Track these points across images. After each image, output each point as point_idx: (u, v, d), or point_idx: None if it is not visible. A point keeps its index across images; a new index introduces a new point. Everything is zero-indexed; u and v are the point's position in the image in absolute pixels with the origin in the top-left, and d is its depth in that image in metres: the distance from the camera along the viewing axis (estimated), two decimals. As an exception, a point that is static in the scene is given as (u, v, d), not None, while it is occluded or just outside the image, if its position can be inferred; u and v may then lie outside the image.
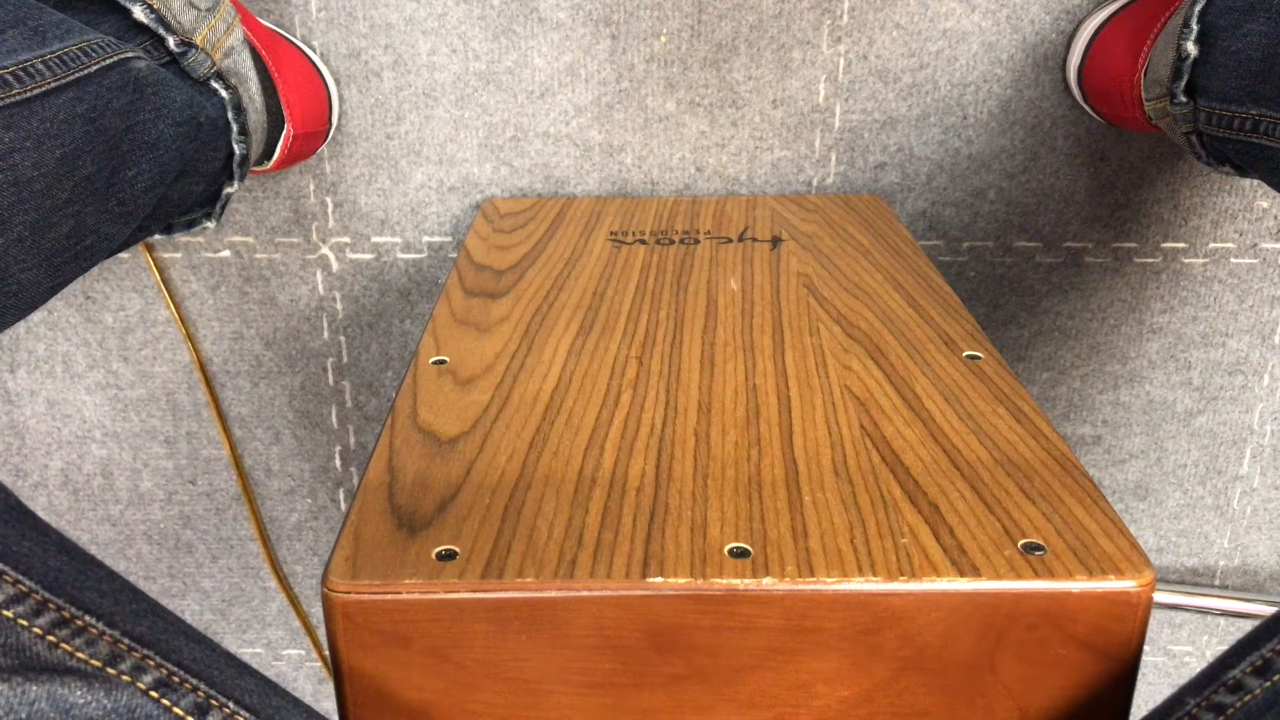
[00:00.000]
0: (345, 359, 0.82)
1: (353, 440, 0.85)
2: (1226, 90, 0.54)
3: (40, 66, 0.42)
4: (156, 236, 0.69)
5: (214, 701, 0.29)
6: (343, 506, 0.87)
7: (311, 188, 0.77)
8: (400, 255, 0.78)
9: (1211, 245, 0.78)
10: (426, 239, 0.78)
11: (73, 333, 0.81)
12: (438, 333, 0.49)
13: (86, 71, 0.45)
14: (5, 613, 0.26)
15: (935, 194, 0.76)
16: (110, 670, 0.27)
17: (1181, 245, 0.78)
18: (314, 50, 0.72)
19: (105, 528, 0.88)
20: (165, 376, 0.82)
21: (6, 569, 0.27)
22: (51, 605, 0.27)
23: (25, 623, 0.26)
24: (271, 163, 0.67)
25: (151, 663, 0.28)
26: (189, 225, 0.63)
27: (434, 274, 0.79)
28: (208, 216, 0.63)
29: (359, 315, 0.80)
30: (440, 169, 0.76)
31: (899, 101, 0.74)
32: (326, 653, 0.91)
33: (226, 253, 0.78)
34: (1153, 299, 0.79)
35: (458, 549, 0.33)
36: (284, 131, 0.66)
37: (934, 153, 0.75)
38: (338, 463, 0.85)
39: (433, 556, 0.33)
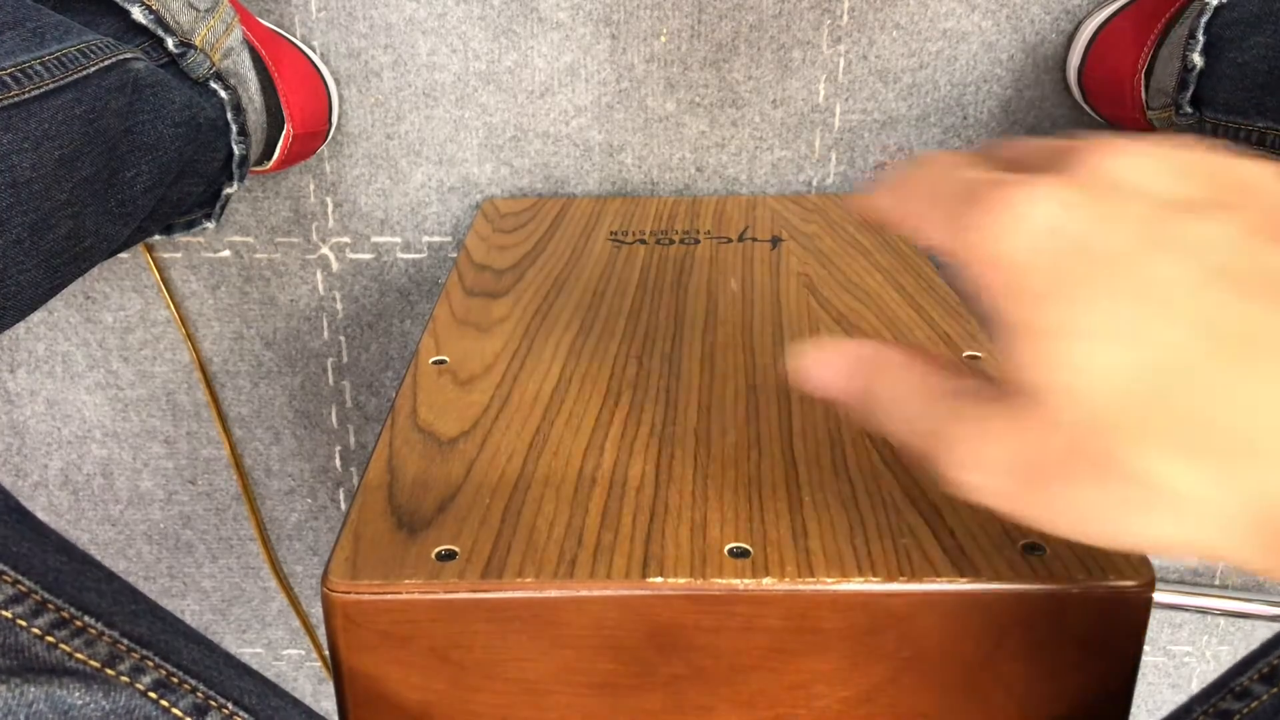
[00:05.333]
0: (345, 359, 0.82)
1: (353, 440, 0.85)
2: (1233, 102, 0.54)
3: (39, 68, 0.42)
4: (156, 237, 0.69)
5: (213, 702, 0.29)
6: (343, 506, 0.87)
7: (311, 188, 0.77)
8: (400, 255, 0.79)
9: (1211, 245, 0.78)
10: (426, 239, 0.78)
11: (73, 333, 0.81)
12: (438, 333, 0.49)
13: (85, 73, 0.45)
14: (4, 613, 0.26)
15: (935, 194, 0.76)
16: (109, 671, 0.27)
17: (1181, 245, 0.78)
18: (314, 50, 0.72)
19: (105, 528, 0.88)
20: (165, 376, 0.82)
21: (6, 569, 0.27)
22: (50, 605, 0.27)
23: (24, 623, 0.26)
24: (271, 163, 0.67)
25: (150, 663, 0.28)
26: (188, 226, 0.63)
27: (434, 274, 0.79)
28: (207, 217, 0.63)
29: (359, 315, 0.80)
30: (440, 169, 0.76)
31: (899, 101, 0.74)
32: (326, 653, 0.91)
33: (226, 253, 0.78)
34: (1153, 299, 0.79)
35: (458, 549, 0.33)
36: (284, 131, 0.66)
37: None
38: (338, 463, 0.85)
39: (433, 556, 0.33)
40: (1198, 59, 0.56)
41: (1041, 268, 0.18)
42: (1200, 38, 0.56)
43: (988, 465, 0.21)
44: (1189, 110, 0.57)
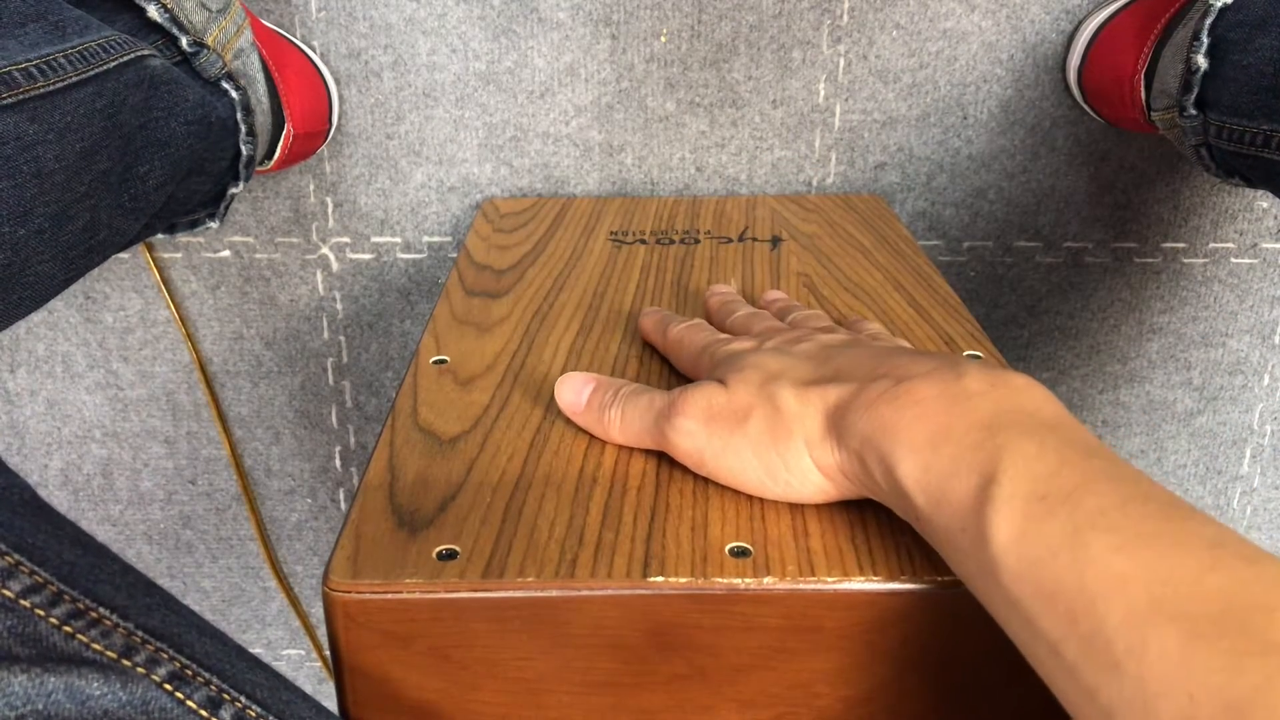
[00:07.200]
0: (345, 359, 0.82)
1: (353, 440, 0.85)
2: (1238, 104, 0.53)
3: (62, 60, 0.43)
4: (158, 236, 0.69)
5: (226, 695, 0.29)
6: (343, 506, 0.87)
7: (311, 188, 0.77)
8: (400, 255, 0.79)
9: (1211, 245, 0.78)
10: (426, 239, 0.78)
11: (73, 333, 0.81)
12: (438, 332, 0.49)
13: (105, 67, 0.45)
14: (23, 602, 0.26)
15: (935, 194, 0.77)
16: (125, 662, 0.27)
17: (1181, 245, 0.78)
18: (314, 50, 0.72)
19: (105, 528, 0.88)
20: (165, 376, 0.82)
21: (23, 560, 0.27)
22: (67, 597, 0.27)
23: (42, 612, 0.26)
24: (272, 163, 0.67)
25: (165, 655, 0.28)
26: (192, 225, 0.63)
27: (434, 274, 0.79)
28: (211, 216, 0.63)
29: (359, 315, 0.80)
30: (440, 169, 0.76)
31: (899, 101, 0.74)
32: (326, 653, 0.91)
33: (226, 253, 0.78)
34: (1153, 299, 0.80)
35: (458, 548, 0.33)
36: (284, 131, 0.66)
37: (934, 153, 0.75)
38: (338, 463, 0.85)
39: (433, 556, 0.33)
40: (1202, 61, 0.55)
41: (748, 352, 0.39)
42: (1205, 39, 0.55)
43: (696, 410, 0.36)
44: (1193, 112, 0.57)
